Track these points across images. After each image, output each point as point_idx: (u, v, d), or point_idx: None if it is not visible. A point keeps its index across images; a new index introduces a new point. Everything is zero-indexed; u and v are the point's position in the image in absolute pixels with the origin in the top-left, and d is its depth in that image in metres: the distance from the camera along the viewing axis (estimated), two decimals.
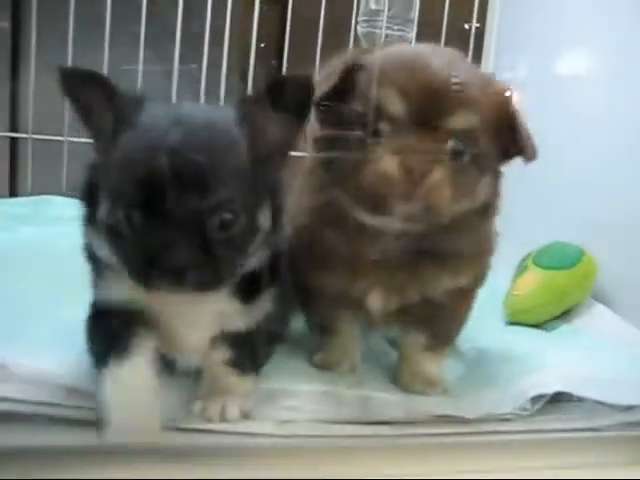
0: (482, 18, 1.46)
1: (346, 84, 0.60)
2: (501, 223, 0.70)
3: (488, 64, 1.45)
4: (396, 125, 0.57)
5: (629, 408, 0.64)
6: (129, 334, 0.55)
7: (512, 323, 0.94)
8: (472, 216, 0.63)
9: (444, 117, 0.57)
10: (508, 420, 0.64)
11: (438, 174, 0.56)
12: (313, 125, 0.64)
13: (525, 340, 0.85)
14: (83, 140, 1.24)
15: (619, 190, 0.96)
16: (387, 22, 1.42)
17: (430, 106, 0.57)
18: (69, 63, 1.25)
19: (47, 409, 0.55)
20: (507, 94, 0.64)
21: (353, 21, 1.38)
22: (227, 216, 0.51)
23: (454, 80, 0.58)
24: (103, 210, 0.52)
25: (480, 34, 1.45)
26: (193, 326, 0.58)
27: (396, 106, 0.57)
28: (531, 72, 1.32)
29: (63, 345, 0.62)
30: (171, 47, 1.29)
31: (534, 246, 1.02)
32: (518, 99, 0.65)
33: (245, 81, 1.39)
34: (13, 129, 1.67)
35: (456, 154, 0.58)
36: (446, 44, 1.38)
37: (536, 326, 0.93)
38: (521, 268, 1.00)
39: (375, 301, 0.68)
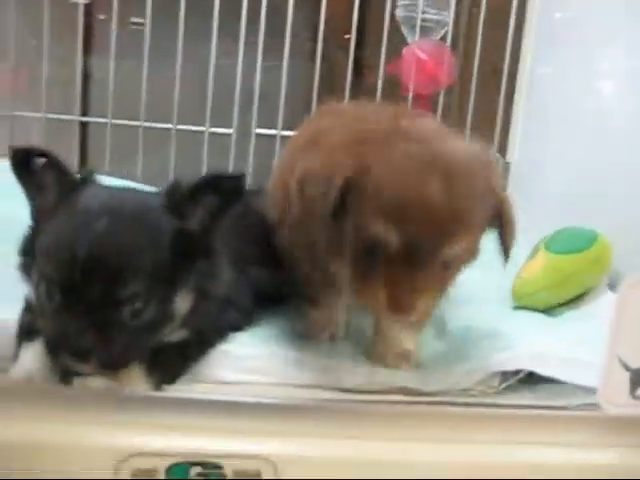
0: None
1: (342, 201, 0.60)
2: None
3: (527, 51, 1.42)
4: (390, 255, 0.58)
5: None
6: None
7: (518, 307, 0.93)
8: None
9: (441, 249, 0.58)
10: (471, 395, 0.64)
11: (425, 300, 0.59)
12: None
13: (519, 323, 0.83)
14: (159, 126, 1.37)
15: None
16: (425, 6, 1.41)
17: (427, 241, 0.58)
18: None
19: None
20: (505, 199, 0.65)
21: (388, 6, 1.38)
22: (137, 306, 0.54)
23: (453, 208, 0.58)
24: (34, 274, 0.57)
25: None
26: None
27: (391, 241, 0.57)
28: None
29: None
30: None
31: None
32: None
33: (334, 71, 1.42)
34: (84, 113, 1.76)
35: (449, 267, 0.61)
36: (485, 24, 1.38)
37: (543, 311, 0.91)
38: (533, 252, 0.98)
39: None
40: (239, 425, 0.53)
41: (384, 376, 0.66)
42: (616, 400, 0.56)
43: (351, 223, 0.60)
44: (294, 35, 1.35)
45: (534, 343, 0.71)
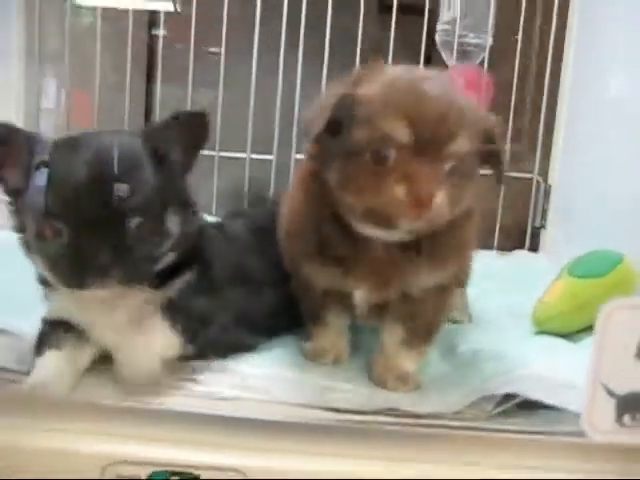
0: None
1: (340, 116, 0.63)
2: None
3: (568, 64, 1.40)
4: (402, 152, 0.60)
5: None
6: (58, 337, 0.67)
7: (539, 332, 0.91)
8: (455, 219, 0.65)
9: (447, 143, 0.61)
10: (463, 419, 0.64)
11: (442, 196, 0.60)
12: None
13: (532, 348, 0.82)
14: (234, 155, 1.44)
15: None
16: (463, 31, 1.42)
17: (434, 134, 0.60)
18: None
19: None
20: (493, 122, 0.67)
21: (424, 32, 1.40)
22: (139, 220, 0.61)
23: (453, 107, 0.61)
24: (30, 234, 0.63)
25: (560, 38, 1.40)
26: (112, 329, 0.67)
27: (403, 136, 0.60)
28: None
29: None
30: None
31: None
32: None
33: None
34: None
35: (454, 173, 0.62)
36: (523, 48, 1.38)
37: (564, 336, 0.89)
38: (558, 275, 0.96)
39: (360, 295, 0.71)
40: (216, 438, 0.55)
41: (378, 398, 0.66)
42: (601, 427, 0.55)
43: (355, 135, 0.62)
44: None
45: (534, 367, 0.69)
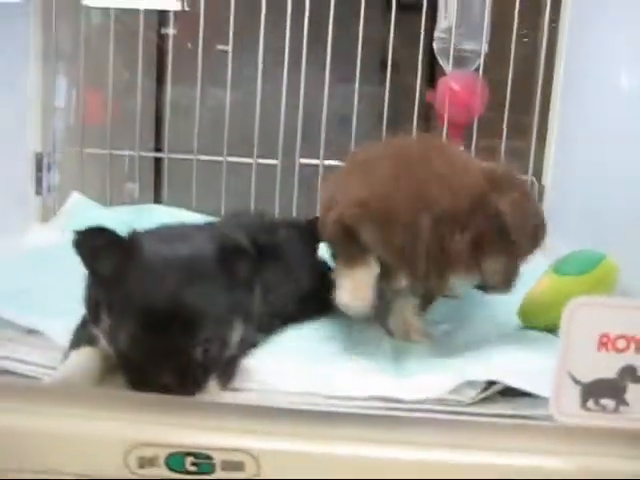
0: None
1: None
2: None
3: (560, 69, 1.46)
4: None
5: None
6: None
7: (526, 328, 0.98)
8: None
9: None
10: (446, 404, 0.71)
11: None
12: None
13: (513, 341, 0.89)
14: (211, 158, 1.51)
15: None
16: (458, 38, 1.48)
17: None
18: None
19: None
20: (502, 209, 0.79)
21: (421, 39, 1.46)
22: (207, 346, 0.67)
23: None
24: (105, 323, 0.68)
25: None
26: None
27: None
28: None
29: None
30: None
31: None
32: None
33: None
34: (157, 148, 1.92)
35: None
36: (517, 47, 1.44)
37: (550, 332, 0.96)
38: (543, 274, 1.03)
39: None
40: (228, 424, 0.62)
41: (368, 386, 0.73)
42: (567, 411, 0.62)
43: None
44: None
45: (513, 357, 0.76)
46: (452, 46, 1.46)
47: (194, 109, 1.52)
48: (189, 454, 0.61)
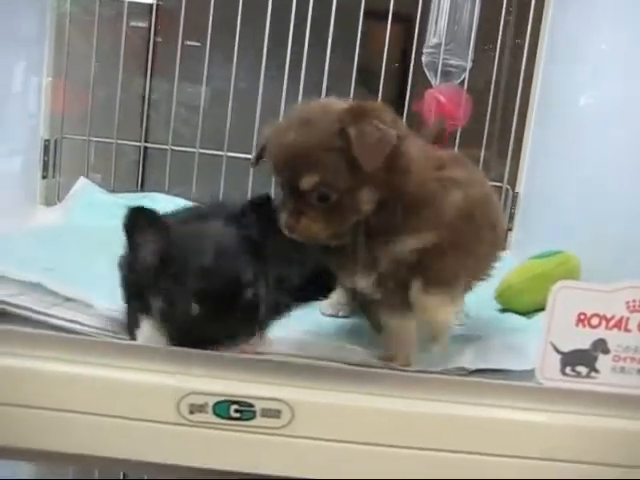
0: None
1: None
2: None
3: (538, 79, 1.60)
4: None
5: None
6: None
7: (503, 310, 1.12)
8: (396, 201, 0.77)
9: (298, 181, 0.76)
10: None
11: (304, 222, 0.76)
12: None
13: (498, 325, 1.02)
14: (212, 152, 1.59)
15: None
16: (446, 54, 1.61)
17: (287, 173, 0.77)
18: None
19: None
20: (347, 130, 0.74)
21: (413, 53, 1.59)
22: (250, 297, 0.77)
23: (300, 149, 0.74)
24: (156, 300, 0.77)
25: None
26: None
27: (275, 176, 0.80)
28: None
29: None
30: None
31: None
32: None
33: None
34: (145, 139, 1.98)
35: (322, 198, 0.76)
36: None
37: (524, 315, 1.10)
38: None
39: (360, 282, 0.85)
40: (267, 377, 0.73)
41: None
42: (549, 376, 0.74)
43: None
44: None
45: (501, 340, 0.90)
46: (440, 61, 1.58)
47: (171, 102, 1.61)
48: (234, 402, 0.71)
